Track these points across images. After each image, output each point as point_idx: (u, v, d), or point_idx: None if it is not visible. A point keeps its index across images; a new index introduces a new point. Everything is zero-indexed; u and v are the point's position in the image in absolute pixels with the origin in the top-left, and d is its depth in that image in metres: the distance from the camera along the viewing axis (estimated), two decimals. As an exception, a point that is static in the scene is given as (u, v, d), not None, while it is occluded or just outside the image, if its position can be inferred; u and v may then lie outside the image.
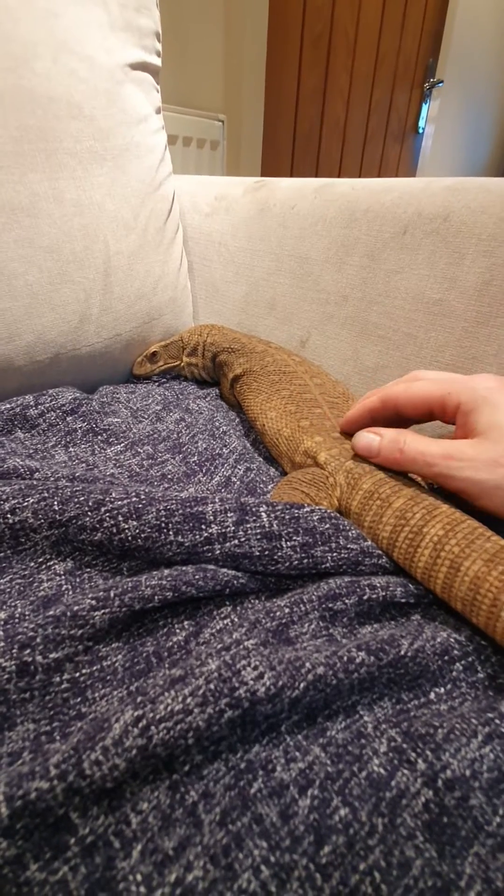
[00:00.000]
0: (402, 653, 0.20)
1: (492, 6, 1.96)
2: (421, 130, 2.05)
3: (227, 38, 1.32)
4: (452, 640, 0.22)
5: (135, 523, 0.24)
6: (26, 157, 0.41)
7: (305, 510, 0.26)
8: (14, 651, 0.19)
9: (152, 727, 0.16)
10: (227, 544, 0.24)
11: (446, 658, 0.21)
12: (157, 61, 0.54)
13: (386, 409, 0.30)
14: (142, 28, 0.51)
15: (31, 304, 0.43)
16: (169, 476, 0.35)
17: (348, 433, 0.32)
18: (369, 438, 0.29)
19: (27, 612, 0.23)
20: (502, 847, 0.16)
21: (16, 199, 0.41)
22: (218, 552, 0.24)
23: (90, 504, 0.25)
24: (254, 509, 0.25)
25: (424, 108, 2.00)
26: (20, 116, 0.41)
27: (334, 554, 0.25)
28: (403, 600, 0.24)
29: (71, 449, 0.37)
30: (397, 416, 0.30)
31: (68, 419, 0.40)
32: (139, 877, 0.15)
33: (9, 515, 0.25)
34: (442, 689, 0.21)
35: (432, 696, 0.20)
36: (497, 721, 0.19)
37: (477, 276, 0.39)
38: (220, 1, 1.27)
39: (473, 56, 2.02)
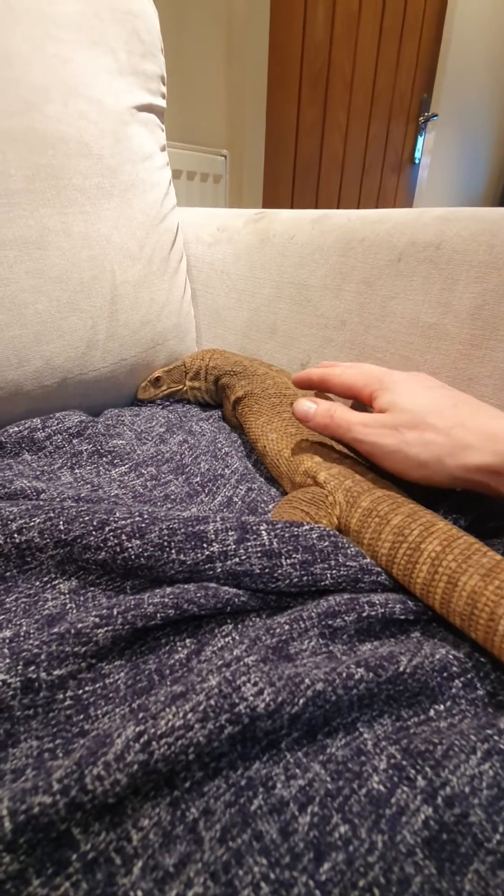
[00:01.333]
0: (402, 669, 0.21)
1: (484, 42, 2.05)
2: (417, 161, 2.11)
3: (229, 76, 1.38)
4: (451, 656, 0.22)
5: (138, 542, 0.25)
6: (38, 193, 0.43)
7: (305, 528, 0.26)
8: (19, 668, 0.20)
9: (153, 742, 0.17)
10: (229, 562, 0.24)
11: (445, 675, 0.21)
12: (162, 102, 0.57)
13: (321, 384, 0.37)
14: (147, 72, 0.54)
15: (41, 331, 0.44)
16: (172, 496, 0.36)
17: (297, 387, 0.39)
18: (307, 406, 0.35)
19: (32, 630, 0.23)
20: (502, 864, 0.16)
21: (27, 234, 0.43)
22: (219, 570, 0.24)
23: (94, 524, 0.25)
24: (254, 528, 0.25)
25: (420, 140, 2.07)
26: (32, 156, 0.43)
27: (334, 571, 0.25)
28: (402, 617, 0.24)
29: (77, 470, 0.38)
30: (328, 391, 0.38)
31: (74, 441, 0.41)
32: (140, 893, 0.15)
33: (15, 535, 0.26)
34: (441, 706, 0.21)
35: (432, 713, 0.21)
36: (496, 738, 0.19)
37: (470, 300, 0.40)
38: (222, 42, 1.33)
39: (467, 90, 2.10)
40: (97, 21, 0.49)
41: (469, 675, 0.22)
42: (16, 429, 0.40)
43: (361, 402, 0.35)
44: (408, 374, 0.34)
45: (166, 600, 0.23)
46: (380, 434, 0.31)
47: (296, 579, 0.24)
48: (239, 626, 0.24)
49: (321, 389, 0.38)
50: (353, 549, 0.26)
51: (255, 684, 0.19)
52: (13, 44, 0.43)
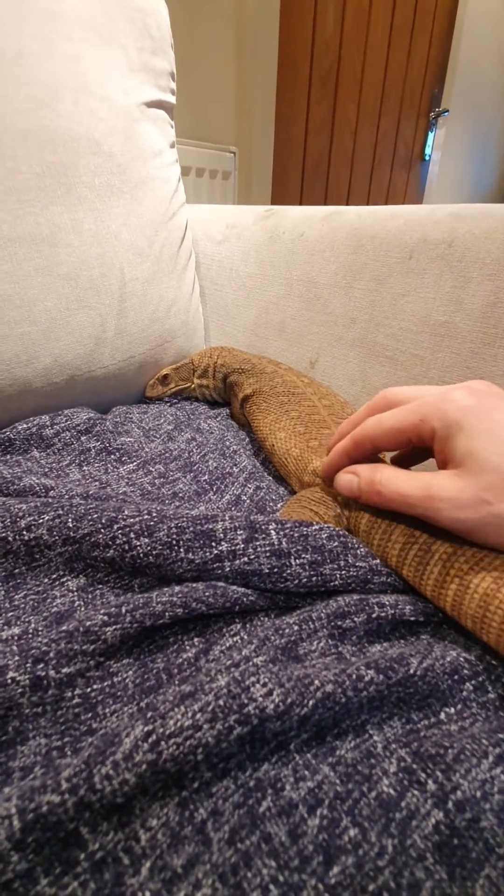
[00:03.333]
0: (412, 672, 0.20)
1: (496, 36, 2.03)
2: (427, 157, 2.09)
3: (239, 73, 1.37)
4: (462, 659, 0.22)
5: (146, 540, 0.25)
6: (48, 191, 0.43)
7: (314, 528, 0.26)
8: (28, 665, 0.20)
9: (162, 742, 0.17)
10: (237, 562, 0.24)
11: (456, 678, 0.21)
12: (172, 99, 0.57)
13: (362, 449, 0.28)
14: (157, 69, 0.54)
15: (50, 328, 0.44)
16: (180, 494, 0.36)
17: (328, 479, 0.30)
18: (348, 479, 0.27)
19: (41, 628, 0.23)
20: None
21: (37, 231, 0.43)
22: (228, 569, 0.24)
23: (103, 521, 0.25)
24: (263, 527, 0.25)
25: (430, 136, 2.05)
26: (43, 154, 0.43)
27: (343, 572, 0.25)
28: (412, 618, 0.24)
29: (85, 468, 0.38)
30: (376, 451, 0.28)
31: (83, 438, 0.41)
32: (148, 894, 0.15)
33: (24, 532, 0.26)
34: (452, 709, 0.21)
35: (442, 716, 0.20)
36: None
37: (482, 298, 0.40)
38: (231, 38, 1.33)
39: (478, 85, 2.07)
40: (107, 18, 0.49)
41: (480, 678, 0.21)
42: (25, 426, 0.40)
43: (417, 445, 0.26)
44: (474, 393, 0.24)
45: (175, 599, 0.22)
46: (454, 508, 0.22)
47: (305, 579, 0.24)
48: (247, 625, 0.24)
49: (367, 454, 0.28)
50: (362, 550, 0.26)
51: (265, 685, 0.18)
52: (24, 42, 0.43)
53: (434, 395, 0.25)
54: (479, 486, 0.21)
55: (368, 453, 0.28)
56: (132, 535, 0.25)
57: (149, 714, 0.18)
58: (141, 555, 0.24)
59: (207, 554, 0.24)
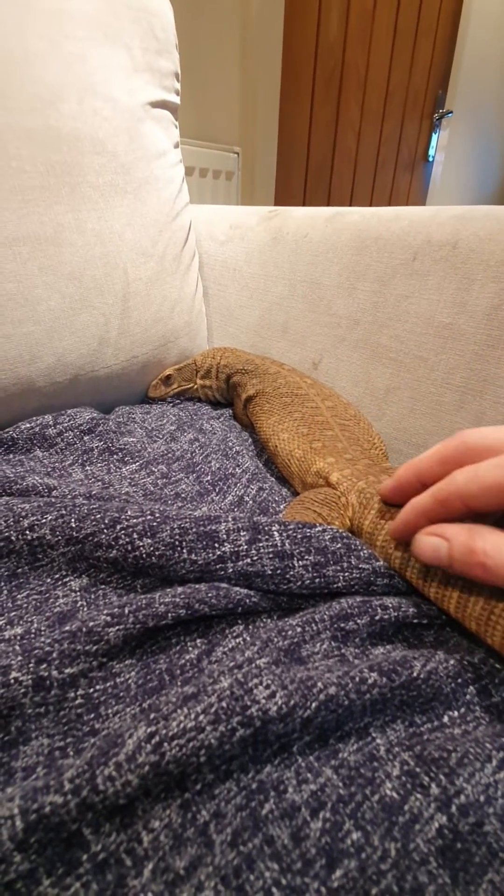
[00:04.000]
0: (415, 675, 0.20)
1: (500, 38, 2.03)
2: (431, 159, 2.09)
3: (243, 74, 1.38)
4: (466, 662, 0.22)
5: (149, 541, 0.25)
6: (52, 190, 0.43)
7: (317, 530, 0.26)
8: (31, 665, 0.20)
9: (165, 744, 0.17)
10: (240, 563, 0.24)
11: (459, 681, 0.21)
12: (176, 99, 0.57)
13: (449, 509, 0.22)
14: (162, 69, 0.54)
15: (53, 328, 0.44)
16: (183, 495, 0.36)
17: (401, 539, 0.26)
18: (433, 545, 0.22)
19: (43, 628, 0.23)
20: None
21: (41, 230, 0.43)
22: (231, 570, 0.24)
23: (106, 521, 0.25)
24: (266, 528, 0.25)
25: (434, 137, 2.05)
26: (47, 153, 0.43)
27: (346, 573, 0.25)
28: (416, 621, 0.24)
29: (87, 467, 0.38)
30: (470, 513, 0.22)
31: (85, 438, 0.41)
32: (150, 895, 0.15)
33: (27, 532, 0.26)
34: (455, 713, 0.21)
35: (445, 719, 0.20)
36: None
37: (486, 300, 0.40)
38: (236, 39, 1.33)
39: (482, 88, 2.07)
40: (113, 18, 0.49)
41: (484, 682, 0.21)
42: (28, 425, 0.40)
43: None
44: None
45: (177, 600, 0.22)
46: None
47: (308, 581, 0.24)
48: (250, 627, 0.24)
49: (455, 515, 0.22)
50: (365, 552, 0.26)
51: (268, 687, 0.18)
52: (30, 42, 0.43)
53: None
54: None
55: (457, 515, 0.22)
56: (135, 535, 0.25)
57: (151, 715, 0.18)
58: (144, 555, 0.24)
59: (210, 555, 0.24)
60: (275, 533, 0.25)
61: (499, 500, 0.20)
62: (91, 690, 0.21)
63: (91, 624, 0.21)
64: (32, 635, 0.22)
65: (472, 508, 0.22)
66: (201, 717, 0.17)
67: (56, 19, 0.44)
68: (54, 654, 0.20)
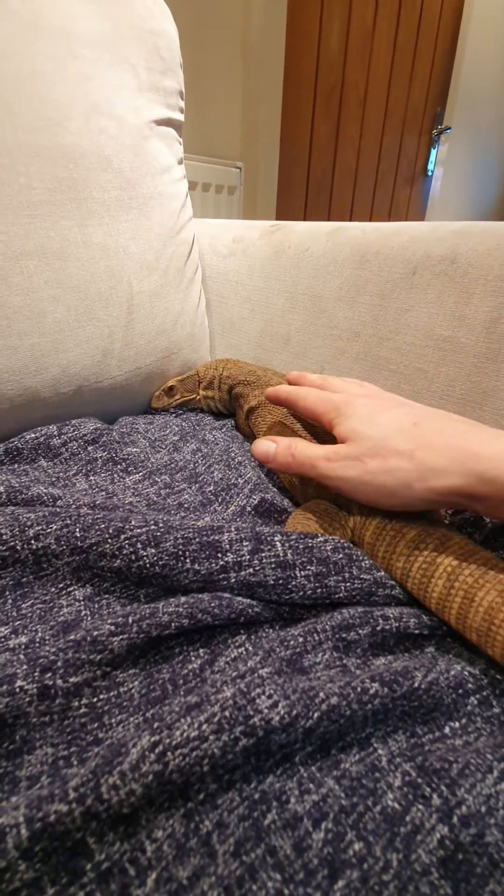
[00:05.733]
0: (416, 685, 0.21)
1: (499, 56, 2.06)
2: (430, 173, 2.12)
3: (245, 92, 1.40)
4: (467, 673, 0.22)
5: (153, 551, 0.25)
6: (59, 206, 0.44)
7: (319, 540, 0.26)
8: (36, 674, 0.20)
9: (168, 753, 0.17)
10: (243, 573, 0.24)
11: (461, 692, 0.21)
12: (181, 117, 0.58)
13: (288, 404, 0.36)
14: (167, 88, 0.55)
15: (58, 339, 0.45)
16: (185, 505, 0.36)
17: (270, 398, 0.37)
18: (266, 445, 0.33)
19: (48, 637, 0.23)
20: None
21: (48, 244, 0.44)
22: (233, 580, 0.24)
23: (110, 531, 0.26)
24: (269, 539, 0.25)
25: (433, 152, 2.08)
26: (54, 170, 0.44)
27: (348, 584, 0.25)
28: (417, 631, 0.24)
29: (91, 477, 0.38)
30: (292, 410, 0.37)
31: (89, 448, 0.41)
32: None
33: (32, 541, 0.26)
34: (457, 724, 0.21)
35: (447, 730, 0.20)
36: None
37: (485, 314, 0.40)
38: (238, 58, 1.36)
39: (481, 103, 2.11)
40: (119, 39, 0.50)
41: (485, 693, 0.21)
42: (32, 435, 0.40)
43: (325, 430, 0.33)
44: (367, 395, 0.32)
45: (181, 609, 0.23)
46: (343, 467, 0.28)
47: (310, 591, 0.24)
48: (252, 637, 0.24)
49: (290, 409, 0.37)
50: (367, 562, 0.26)
51: (270, 697, 0.19)
52: (37, 62, 0.44)
53: (342, 395, 0.32)
54: (357, 450, 0.28)
55: (292, 411, 0.38)
56: (139, 545, 0.25)
57: (155, 724, 0.18)
58: (147, 565, 0.25)
59: (213, 565, 0.24)
60: (277, 543, 0.25)
61: (311, 419, 0.34)
62: (95, 699, 0.21)
63: (95, 633, 0.21)
64: (37, 644, 0.23)
65: (294, 411, 0.36)
66: (204, 727, 0.17)
67: (63, 39, 0.46)
68: (59, 664, 0.20)
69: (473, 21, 1.89)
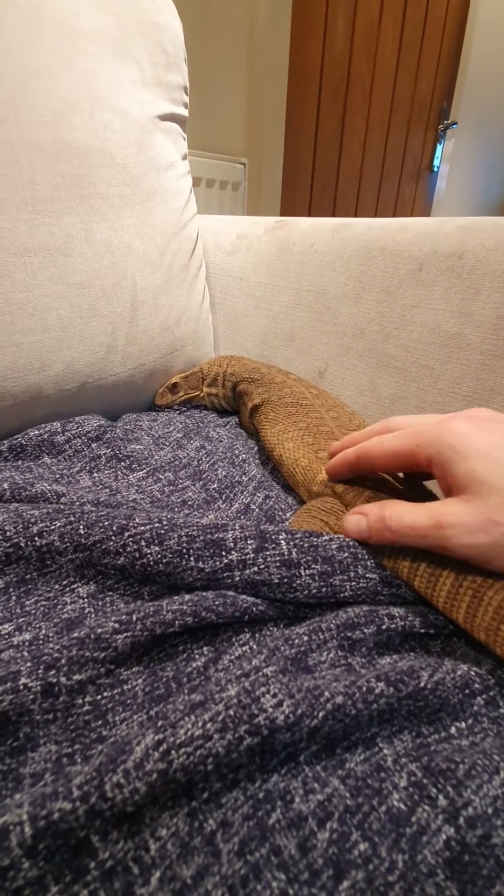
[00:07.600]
0: (422, 685, 0.20)
1: (504, 52, 2.04)
2: (436, 169, 2.11)
3: (250, 87, 1.40)
4: (473, 673, 0.22)
5: (157, 548, 0.25)
6: (63, 202, 0.44)
7: (324, 539, 0.26)
8: (40, 671, 0.20)
9: (172, 751, 0.17)
10: (247, 571, 0.24)
11: (467, 692, 0.21)
12: (185, 112, 0.58)
13: (362, 463, 0.29)
14: (171, 83, 0.55)
15: (62, 336, 0.45)
16: (189, 502, 0.36)
17: (332, 481, 0.33)
18: (356, 521, 0.27)
19: (51, 634, 0.23)
20: None
21: (51, 241, 0.43)
22: (238, 579, 0.24)
23: (114, 529, 0.26)
24: (273, 537, 0.25)
25: (439, 147, 2.06)
26: (58, 165, 0.44)
27: (353, 583, 0.25)
28: (423, 631, 0.24)
29: (95, 474, 0.38)
30: (372, 471, 0.30)
31: (93, 445, 0.41)
32: None
33: (36, 538, 0.26)
34: (463, 724, 0.20)
35: (453, 730, 0.20)
36: None
37: (492, 311, 0.40)
38: (243, 53, 1.35)
39: (487, 98, 2.09)
40: (123, 34, 0.50)
41: (492, 693, 0.21)
42: (36, 432, 0.40)
43: (419, 471, 0.27)
44: (470, 420, 0.24)
45: (185, 608, 0.23)
46: (468, 534, 0.22)
47: (314, 590, 0.24)
48: (256, 635, 0.24)
49: (364, 471, 0.30)
50: (372, 561, 0.26)
51: (275, 696, 0.18)
52: (42, 57, 0.44)
53: (433, 422, 0.25)
54: (487, 508, 0.21)
55: (367, 470, 0.30)
56: (143, 542, 0.25)
57: (159, 723, 0.18)
58: (151, 563, 0.25)
59: (217, 563, 0.24)
60: (282, 542, 0.25)
61: (391, 463, 0.27)
62: (99, 697, 0.21)
63: (99, 631, 0.21)
64: (41, 641, 0.23)
65: (374, 468, 0.29)
66: (209, 725, 0.17)
67: (67, 35, 0.45)
68: (63, 661, 0.20)
69: (480, 15, 1.87)
